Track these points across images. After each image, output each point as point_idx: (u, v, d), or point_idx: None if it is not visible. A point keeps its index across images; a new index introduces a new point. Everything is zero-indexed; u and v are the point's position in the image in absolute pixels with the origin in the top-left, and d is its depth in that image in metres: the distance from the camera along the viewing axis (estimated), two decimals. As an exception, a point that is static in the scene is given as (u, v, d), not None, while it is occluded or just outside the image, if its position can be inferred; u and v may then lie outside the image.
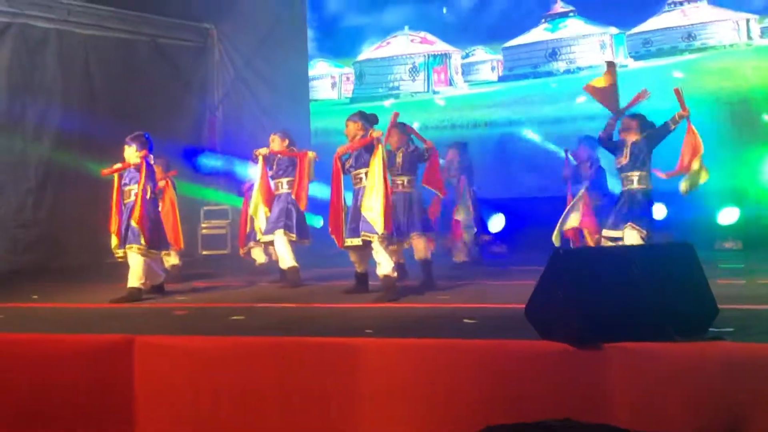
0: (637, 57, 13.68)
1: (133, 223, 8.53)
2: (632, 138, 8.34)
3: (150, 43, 15.18)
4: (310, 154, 9.62)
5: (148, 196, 8.67)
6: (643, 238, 8.07)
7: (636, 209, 8.24)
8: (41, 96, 13.33)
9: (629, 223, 8.18)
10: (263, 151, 9.67)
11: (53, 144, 13.39)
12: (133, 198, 8.66)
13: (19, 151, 13.05)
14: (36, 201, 13.22)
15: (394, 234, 7.90)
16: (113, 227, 8.70)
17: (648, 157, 8.33)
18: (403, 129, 9.19)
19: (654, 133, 8.30)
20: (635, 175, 8.33)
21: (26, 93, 13.12)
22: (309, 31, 16.22)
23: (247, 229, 10.75)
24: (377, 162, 7.76)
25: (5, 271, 12.13)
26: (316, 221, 12.46)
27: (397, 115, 9.12)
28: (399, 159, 9.07)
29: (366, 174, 7.97)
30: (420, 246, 8.99)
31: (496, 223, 13.36)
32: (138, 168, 8.67)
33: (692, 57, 13.34)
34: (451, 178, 11.36)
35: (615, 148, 8.47)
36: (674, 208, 9.65)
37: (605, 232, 8.47)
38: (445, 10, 15.08)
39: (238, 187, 12.07)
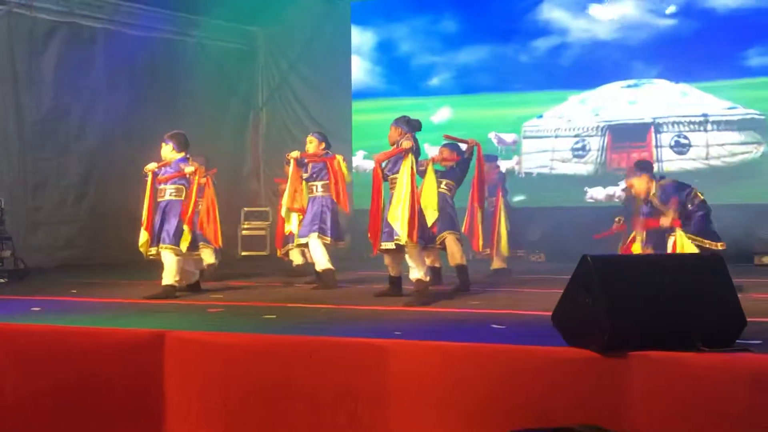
0: None
1: (185, 227, 8.66)
2: None
3: (196, 45, 15.36)
4: (338, 156, 9.75)
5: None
6: None
7: None
8: (86, 93, 13.55)
9: None
10: (294, 154, 9.75)
11: (96, 141, 13.60)
12: (167, 197, 8.81)
13: (62, 146, 13.27)
14: (77, 197, 13.44)
15: (421, 240, 7.83)
16: (145, 224, 8.79)
17: None
18: (452, 147, 9.51)
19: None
20: None
21: (72, 90, 13.33)
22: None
23: (285, 231, 10.74)
24: (405, 171, 7.73)
25: (46, 267, 12.32)
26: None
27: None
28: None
29: None
30: (455, 250, 9.04)
31: (534, 233, 13.31)
32: (178, 169, 8.79)
33: None
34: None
35: None
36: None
37: None
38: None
39: (274, 186, 12.08)
